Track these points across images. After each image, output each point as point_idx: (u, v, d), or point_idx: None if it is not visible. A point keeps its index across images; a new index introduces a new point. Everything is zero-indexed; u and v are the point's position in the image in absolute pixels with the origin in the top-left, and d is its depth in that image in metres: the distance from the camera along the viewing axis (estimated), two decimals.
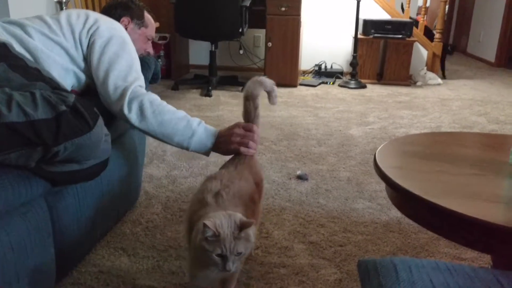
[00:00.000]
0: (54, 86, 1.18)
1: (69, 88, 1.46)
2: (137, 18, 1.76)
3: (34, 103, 1.05)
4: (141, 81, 1.48)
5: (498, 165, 1.16)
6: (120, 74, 1.44)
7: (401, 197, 1.04)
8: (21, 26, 1.41)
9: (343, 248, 1.62)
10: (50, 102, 1.08)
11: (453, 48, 5.04)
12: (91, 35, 1.50)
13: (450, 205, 0.92)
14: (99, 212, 1.50)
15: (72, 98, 1.13)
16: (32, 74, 1.20)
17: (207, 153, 1.48)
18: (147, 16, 1.82)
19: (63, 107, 1.09)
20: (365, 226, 1.78)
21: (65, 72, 1.45)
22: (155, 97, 1.44)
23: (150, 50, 1.86)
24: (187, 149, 1.46)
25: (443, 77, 4.94)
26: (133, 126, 1.44)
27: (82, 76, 1.51)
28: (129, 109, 1.40)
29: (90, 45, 1.49)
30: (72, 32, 1.48)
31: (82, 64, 1.50)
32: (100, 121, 1.19)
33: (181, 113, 1.46)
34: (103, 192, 1.51)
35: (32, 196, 1.16)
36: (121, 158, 1.64)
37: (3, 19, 1.46)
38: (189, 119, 1.45)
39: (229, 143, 1.45)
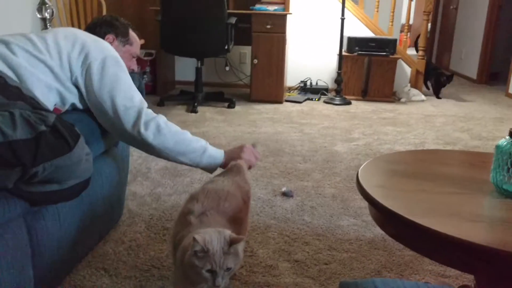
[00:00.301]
0: (35, 105, 1.16)
1: (51, 106, 1.45)
2: (122, 36, 1.77)
3: (13, 123, 1.04)
4: (144, 101, 1.56)
5: (479, 184, 1.17)
6: (126, 95, 1.49)
7: (384, 216, 1.04)
8: (5, 43, 1.39)
9: (328, 266, 1.61)
10: (29, 122, 1.06)
11: (449, 77, 4.85)
12: (84, 58, 1.49)
13: (431, 225, 0.92)
14: (81, 231, 1.47)
15: (52, 118, 1.12)
16: (12, 92, 1.18)
17: (214, 169, 1.59)
18: (132, 34, 1.83)
19: (43, 127, 1.07)
20: (350, 243, 1.78)
21: (48, 90, 1.43)
22: (165, 118, 1.55)
23: (135, 67, 1.87)
24: (197, 165, 1.56)
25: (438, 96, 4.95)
26: (146, 145, 1.49)
27: (67, 95, 1.49)
28: (146, 128, 1.47)
29: (87, 68, 1.48)
30: (59, 52, 1.47)
31: (67, 83, 1.48)
32: (81, 141, 1.18)
33: (188, 133, 1.57)
34: (84, 211, 1.49)
35: (10, 217, 1.13)
36: (104, 176, 1.62)
37: None
38: (197, 138, 1.58)
39: (239, 154, 1.61)
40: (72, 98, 1.51)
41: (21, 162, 1.04)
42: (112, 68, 1.51)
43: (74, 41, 1.51)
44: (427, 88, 5.12)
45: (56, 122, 1.11)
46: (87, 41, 1.53)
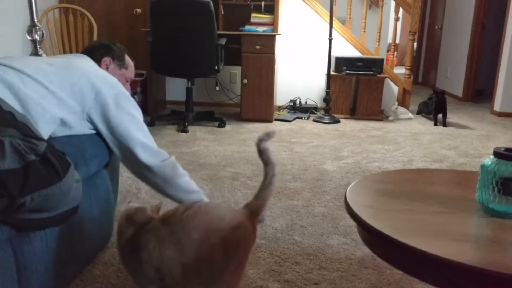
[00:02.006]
0: (26, 132, 1.15)
1: (48, 133, 1.45)
2: (118, 59, 1.84)
3: (2, 152, 1.02)
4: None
5: (466, 203, 1.19)
6: (143, 132, 1.66)
7: (371, 237, 1.05)
8: (17, 71, 1.42)
9: (318, 286, 1.61)
10: (18, 151, 1.05)
11: (438, 94, 4.42)
12: (96, 93, 1.56)
13: (418, 245, 0.93)
14: (69, 254, 1.46)
15: (43, 146, 1.11)
16: (5, 118, 1.17)
17: None
18: (128, 58, 1.91)
19: (32, 157, 1.06)
20: (340, 262, 1.78)
21: (52, 121, 1.46)
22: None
23: (128, 90, 1.91)
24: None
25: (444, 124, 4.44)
26: (161, 177, 1.69)
27: (74, 123, 1.55)
28: (162, 164, 1.67)
29: (101, 104, 1.57)
30: (72, 84, 1.52)
31: (78, 115, 1.55)
32: (71, 170, 1.17)
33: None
34: (73, 233, 1.47)
35: None
36: (93, 197, 1.62)
37: (3, 58, 1.49)
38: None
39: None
40: (82, 128, 1.58)
41: (8, 192, 1.02)
42: (126, 105, 1.62)
43: (86, 75, 1.56)
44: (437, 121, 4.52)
45: (47, 151, 1.10)
46: (98, 77, 1.60)
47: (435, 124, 4.49)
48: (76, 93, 1.51)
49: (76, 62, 1.61)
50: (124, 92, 1.66)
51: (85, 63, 1.64)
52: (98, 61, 1.77)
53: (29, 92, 1.38)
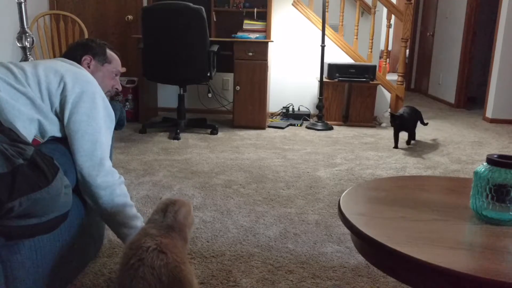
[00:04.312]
0: (13, 137, 1.14)
1: (32, 138, 1.43)
2: (99, 55, 1.77)
3: None
4: (107, 151, 1.55)
5: (459, 210, 1.19)
6: (89, 146, 1.50)
7: (365, 245, 1.04)
8: None
9: None
10: (6, 155, 1.03)
11: (395, 118, 3.77)
12: (62, 89, 1.49)
13: (412, 253, 0.92)
14: (59, 264, 1.43)
15: (30, 150, 1.09)
16: None
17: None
18: (109, 52, 1.82)
19: (20, 161, 1.05)
20: (334, 271, 1.77)
21: (29, 122, 1.42)
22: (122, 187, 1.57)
23: (118, 86, 1.85)
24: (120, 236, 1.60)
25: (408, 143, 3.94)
26: (94, 198, 1.52)
27: (48, 126, 1.49)
28: (100, 187, 1.50)
29: (65, 100, 1.49)
30: (39, 83, 1.47)
31: (49, 115, 1.48)
32: (60, 174, 1.15)
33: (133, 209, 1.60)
34: (63, 243, 1.45)
35: None
36: (83, 206, 1.59)
37: None
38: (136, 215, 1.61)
39: None
40: (54, 129, 1.51)
41: None
42: (85, 105, 1.51)
43: (54, 73, 1.51)
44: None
45: (35, 155, 1.09)
46: (67, 73, 1.53)
47: (395, 147, 3.84)
48: (43, 93, 1.46)
49: (46, 60, 1.57)
50: (93, 92, 1.54)
51: (56, 61, 1.59)
52: (79, 61, 1.72)
53: (2, 95, 1.36)
